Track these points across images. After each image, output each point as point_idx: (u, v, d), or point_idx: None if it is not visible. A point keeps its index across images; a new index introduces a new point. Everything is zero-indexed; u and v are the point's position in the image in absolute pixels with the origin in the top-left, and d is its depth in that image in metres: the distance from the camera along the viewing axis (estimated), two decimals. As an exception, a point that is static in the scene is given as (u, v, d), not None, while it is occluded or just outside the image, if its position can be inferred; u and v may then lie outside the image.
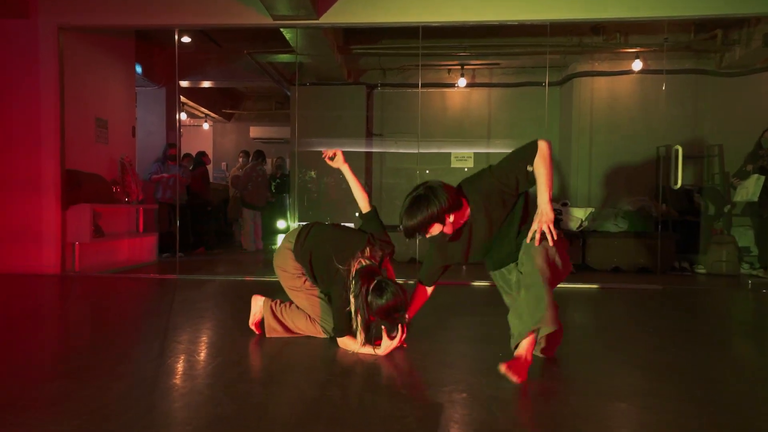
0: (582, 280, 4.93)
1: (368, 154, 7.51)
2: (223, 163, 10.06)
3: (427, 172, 7.16)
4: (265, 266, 6.35)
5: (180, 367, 2.20)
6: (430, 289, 2.37)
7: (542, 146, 2.05)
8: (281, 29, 5.27)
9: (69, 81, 5.03)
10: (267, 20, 4.74)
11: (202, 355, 2.39)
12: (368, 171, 7.52)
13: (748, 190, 5.60)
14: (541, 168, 2.03)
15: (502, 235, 2.18)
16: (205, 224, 7.47)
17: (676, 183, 4.59)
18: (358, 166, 7.41)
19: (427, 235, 2.08)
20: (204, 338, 2.70)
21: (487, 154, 7.33)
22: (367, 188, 7.48)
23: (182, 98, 8.36)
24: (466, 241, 2.17)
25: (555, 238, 2.00)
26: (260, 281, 4.71)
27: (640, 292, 4.41)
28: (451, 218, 2.05)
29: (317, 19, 4.69)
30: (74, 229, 4.98)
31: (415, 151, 7.51)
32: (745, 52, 5.82)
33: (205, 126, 9.86)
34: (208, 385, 1.96)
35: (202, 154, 7.83)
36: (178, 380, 2.03)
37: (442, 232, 2.08)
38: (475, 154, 7.32)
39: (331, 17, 4.70)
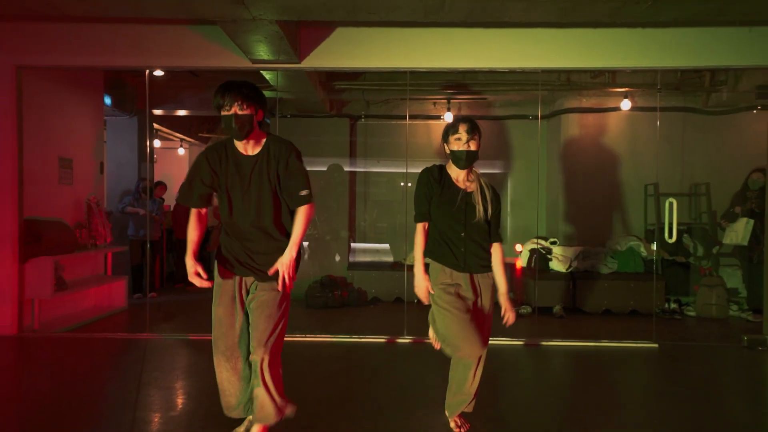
0: (572, 332, 4.77)
1: (352, 188, 7.26)
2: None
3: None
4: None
5: None
6: (424, 226, 2.50)
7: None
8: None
9: (29, 121, 4.66)
10: (245, 63, 4.45)
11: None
12: (352, 202, 7.28)
13: (738, 234, 5.54)
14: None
15: (477, 229, 2.44)
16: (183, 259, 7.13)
17: (670, 236, 4.47)
18: (342, 201, 7.15)
19: (472, 141, 2.40)
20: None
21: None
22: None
23: (155, 125, 7.96)
24: (460, 199, 2.45)
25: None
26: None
27: (636, 353, 4.26)
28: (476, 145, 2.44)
29: (299, 63, 4.43)
30: (33, 284, 4.59)
31: (402, 183, 7.30)
32: (732, 94, 5.78)
33: (181, 151, 9.47)
34: None
35: None
36: None
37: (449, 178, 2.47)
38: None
39: (313, 61, 4.44)
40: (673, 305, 5.81)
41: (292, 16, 3.44)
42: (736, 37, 4.21)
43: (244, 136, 2.18)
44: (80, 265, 5.47)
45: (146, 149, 6.95)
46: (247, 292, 2.26)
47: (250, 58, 4.37)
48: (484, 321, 2.43)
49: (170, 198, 8.04)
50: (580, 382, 3.60)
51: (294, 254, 2.18)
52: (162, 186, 7.51)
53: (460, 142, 2.39)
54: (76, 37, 4.43)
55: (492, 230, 2.48)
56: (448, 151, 2.48)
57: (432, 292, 2.42)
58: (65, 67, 4.82)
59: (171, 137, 8.93)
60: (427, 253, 2.47)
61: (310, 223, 2.26)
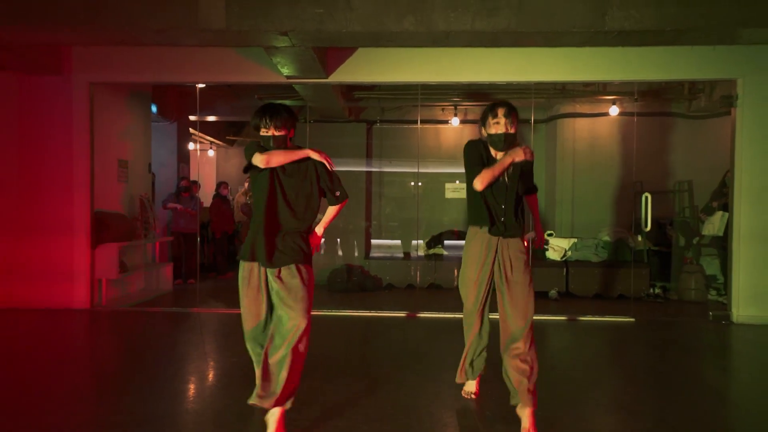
0: (564, 310, 5.48)
1: (368, 186, 8.01)
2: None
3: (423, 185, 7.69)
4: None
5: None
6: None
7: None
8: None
9: (96, 128, 5.48)
10: (280, 78, 5.23)
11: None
12: (368, 199, 8.03)
13: (714, 225, 6.20)
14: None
15: (513, 200, 2.57)
16: (218, 251, 7.95)
17: (646, 225, 5.16)
18: (359, 198, 7.90)
19: (510, 124, 2.50)
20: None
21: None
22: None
23: (191, 129, 8.80)
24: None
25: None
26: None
27: (615, 324, 4.96)
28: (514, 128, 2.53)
29: (326, 77, 5.20)
30: (102, 267, 5.43)
31: (413, 183, 8.05)
32: (709, 101, 6.43)
33: (210, 153, 10.31)
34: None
35: (222, 185, 8.05)
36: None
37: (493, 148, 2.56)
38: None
39: (339, 76, 5.21)
40: (657, 290, 6.48)
41: (324, 43, 4.20)
42: (702, 55, 4.89)
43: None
44: (135, 252, 6.29)
45: (186, 151, 7.74)
46: (266, 280, 2.45)
47: (284, 74, 5.14)
48: (522, 294, 2.49)
49: (203, 195, 8.87)
50: (565, 343, 4.32)
51: (320, 233, 2.57)
52: (196, 185, 8.34)
53: (498, 125, 2.48)
54: (137, 57, 5.24)
55: (526, 187, 2.65)
56: (485, 134, 2.56)
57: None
58: (129, 83, 5.65)
59: (202, 140, 9.77)
60: (469, 219, 2.65)
61: (338, 213, 2.63)
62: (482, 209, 2.57)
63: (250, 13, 3.80)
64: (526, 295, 2.50)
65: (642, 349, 4.20)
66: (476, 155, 2.57)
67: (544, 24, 3.70)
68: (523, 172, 2.58)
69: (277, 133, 2.49)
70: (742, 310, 4.98)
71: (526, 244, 2.63)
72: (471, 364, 2.78)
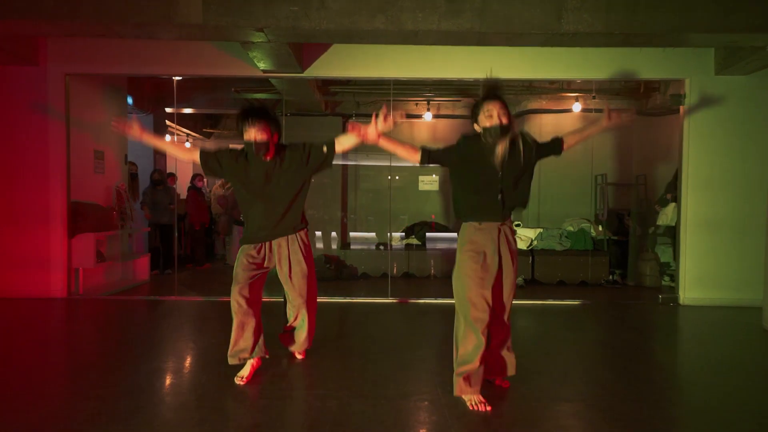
0: (527, 296, 5.81)
1: (344, 179, 8.22)
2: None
3: (397, 177, 7.94)
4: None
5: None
6: (418, 156, 2.75)
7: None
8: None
9: (72, 119, 5.53)
10: (256, 72, 5.39)
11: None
12: (344, 191, 8.24)
13: (668, 216, 6.63)
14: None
15: (511, 180, 2.67)
16: (195, 242, 8.04)
17: (603, 216, 5.53)
18: (335, 189, 8.11)
19: (501, 112, 2.55)
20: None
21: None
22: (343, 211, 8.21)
23: (167, 122, 8.83)
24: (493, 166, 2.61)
25: None
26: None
27: (573, 308, 5.31)
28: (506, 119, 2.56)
29: (301, 72, 5.37)
30: (79, 256, 5.50)
31: (389, 177, 8.27)
32: (663, 99, 6.85)
33: (187, 145, 10.33)
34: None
35: (197, 177, 8.18)
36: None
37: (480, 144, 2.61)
38: (440, 178, 8.16)
39: (314, 71, 5.39)
40: (616, 277, 6.90)
41: (300, 40, 4.38)
42: (654, 56, 5.26)
43: (263, 155, 2.86)
44: (113, 243, 6.36)
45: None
46: (270, 250, 2.99)
47: (261, 68, 5.30)
48: (504, 287, 2.68)
49: (179, 187, 8.91)
50: (522, 321, 4.65)
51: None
52: (172, 177, 8.39)
53: (491, 119, 2.55)
54: (114, 50, 5.32)
55: (551, 146, 2.85)
56: (480, 129, 2.61)
57: None
58: (105, 74, 5.70)
59: (179, 132, 9.79)
60: (462, 216, 2.69)
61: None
62: (478, 200, 2.70)
63: (227, 10, 3.95)
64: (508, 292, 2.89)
65: (594, 328, 4.55)
66: (451, 149, 2.73)
67: (505, 26, 3.97)
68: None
69: (259, 139, 2.80)
70: (688, 293, 5.40)
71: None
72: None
